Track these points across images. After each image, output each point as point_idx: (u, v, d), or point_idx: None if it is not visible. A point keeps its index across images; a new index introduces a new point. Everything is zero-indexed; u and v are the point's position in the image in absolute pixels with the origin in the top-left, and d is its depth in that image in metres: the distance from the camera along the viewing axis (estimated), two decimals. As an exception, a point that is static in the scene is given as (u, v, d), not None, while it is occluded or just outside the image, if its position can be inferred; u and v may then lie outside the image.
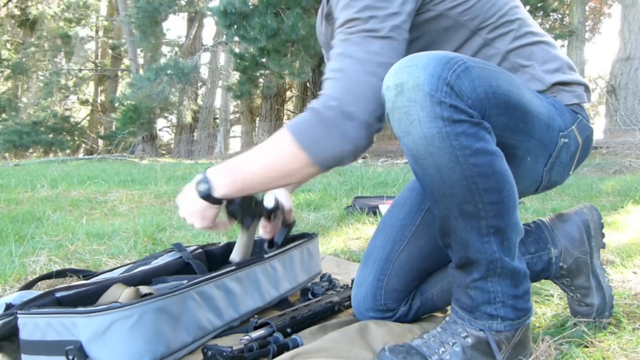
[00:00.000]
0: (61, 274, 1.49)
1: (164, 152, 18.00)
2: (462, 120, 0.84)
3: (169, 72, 9.98)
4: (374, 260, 1.18)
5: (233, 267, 1.20)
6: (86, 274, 1.49)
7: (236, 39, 8.35)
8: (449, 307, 1.27)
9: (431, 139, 0.83)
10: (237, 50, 9.74)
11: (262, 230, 1.38)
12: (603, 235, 1.22)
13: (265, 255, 1.32)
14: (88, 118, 19.73)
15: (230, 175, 1.02)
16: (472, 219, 0.88)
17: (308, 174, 0.97)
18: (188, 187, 1.07)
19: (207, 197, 1.03)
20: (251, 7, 7.93)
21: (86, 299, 1.10)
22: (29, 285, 1.36)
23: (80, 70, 17.41)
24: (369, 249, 1.22)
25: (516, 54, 1.09)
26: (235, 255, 1.31)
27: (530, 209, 2.98)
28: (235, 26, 7.82)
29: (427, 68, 0.84)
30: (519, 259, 0.94)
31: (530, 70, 1.09)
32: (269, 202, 1.27)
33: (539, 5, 9.07)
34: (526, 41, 1.10)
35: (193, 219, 1.08)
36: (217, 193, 1.02)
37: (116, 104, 14.70)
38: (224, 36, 10.34)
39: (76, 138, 16.61)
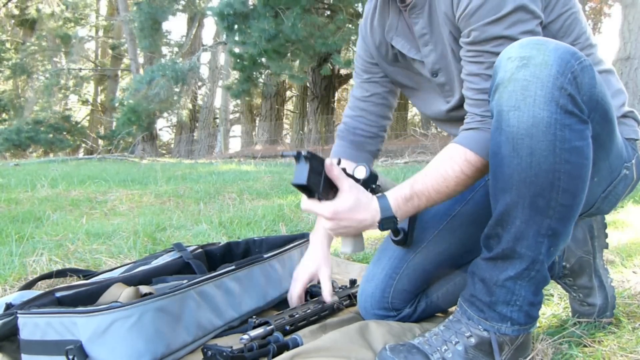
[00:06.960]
0: (61, 273, 1.49)
1: (164, 151, 17.99)
2: (574, 114, 0.83)
3: (166, 73, 9.96)
4: (388, 258, 1.18)
5: (233, 267, 1.20)
6: (86, 274, 1.49)
7: (237, 38, 8.30)
8: (450, 309, 1.27)
9: (539, 120, 0.82)
10: (236, 50, 9.71)
11: None
12: (606, 236, 1.22)
13: (265, 255, 1.32)
14: (88, 118, 19.72)
15: (414, 208, 1.01)
16: (538, 214, 0.86)
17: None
18: (363, 209, 0.98)
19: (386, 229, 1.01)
20: (251, 7, 7.87)
21: (86, 298, 1.10)
22: (29, 285, 1.36)
23: (80, 70, 17.38)
24: (385, 245, 1.21)
25: None
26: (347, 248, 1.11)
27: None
28: (236, 27, 7.77)
29: (557, 50, 0.83)
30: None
31: None
32: (359, 174, 1.09)
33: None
34: (601, 68, 1.10)
35: (345, 230, 1.00)
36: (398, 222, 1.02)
37: (116, 104, 14.70)
38: (224, 36, 10.35)
39: (76, 138, 16.58)
